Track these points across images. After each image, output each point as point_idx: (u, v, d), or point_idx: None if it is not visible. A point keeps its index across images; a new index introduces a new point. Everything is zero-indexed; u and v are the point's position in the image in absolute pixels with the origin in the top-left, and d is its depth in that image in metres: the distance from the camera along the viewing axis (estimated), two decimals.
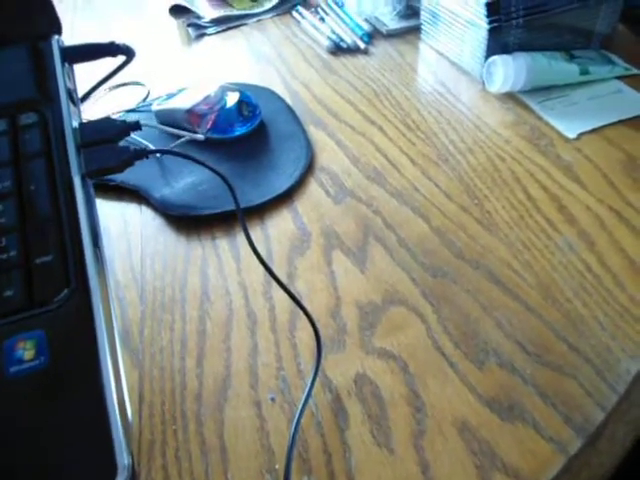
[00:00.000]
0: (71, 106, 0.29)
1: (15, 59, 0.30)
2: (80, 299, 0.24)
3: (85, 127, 0.29)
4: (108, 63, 0.39)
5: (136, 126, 0.29)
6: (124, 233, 0.39)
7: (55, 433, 0.21)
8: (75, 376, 0.22)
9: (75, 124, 0.28)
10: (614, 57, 0.50)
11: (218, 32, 0.66)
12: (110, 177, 0.42)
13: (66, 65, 0.30)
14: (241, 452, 0.26)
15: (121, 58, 0.36)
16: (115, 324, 0.25)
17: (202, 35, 0.65)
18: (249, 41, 0.62)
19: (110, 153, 0.28)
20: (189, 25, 0.67)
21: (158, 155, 0.44)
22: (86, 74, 0.40)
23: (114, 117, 0.29)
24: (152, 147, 0.40)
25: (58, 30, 0.31)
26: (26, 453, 0.21)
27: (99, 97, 0.54)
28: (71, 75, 0.31)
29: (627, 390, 0.26)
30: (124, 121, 0.29)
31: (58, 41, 0.31)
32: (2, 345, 0.22)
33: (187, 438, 0.26)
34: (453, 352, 0.29)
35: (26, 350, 0.22)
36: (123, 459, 0.21)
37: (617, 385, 0.26)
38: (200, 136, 0.43)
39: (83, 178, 0.27)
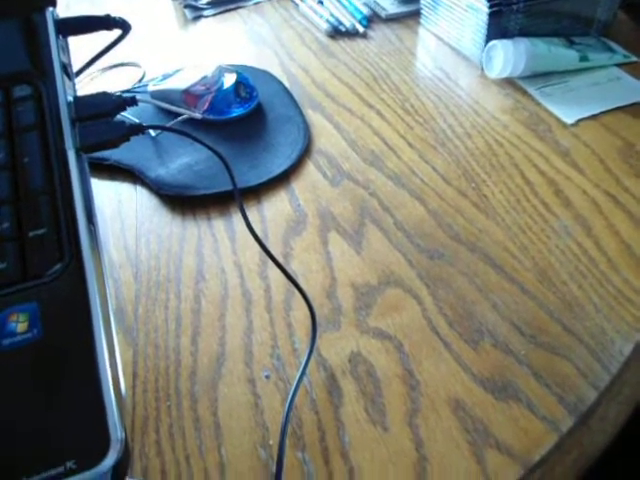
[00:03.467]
0: (66, 80, 0.29)
1: (9, 31, 0.29)
2: (74, 273, 0.23)
3: (80, 101, 0.28)
4: (102, 41, 0.39)
5: (132, 101, 0.29)
6: (118, 213, 0.38)
7: (48, 406, 0.21)
8: (69, 348, 0.22)
9: (70, 98, 0.28)
10: (613, 44, 0.50)
11: (215, 14, 0.65)
12: (104, 156, 0.41)
13: (60, 38, 0.30)
14: (235, 428, 0.26)
15: (116, 33, 0.35)
16: (109, 299, 0.24)
17: (199, 17, 0.65)
18: (247, 24, 0.62)
19: (105, 128, 0.28)
20: (186, 7, 0.66)
21: (153, 134, 0.43)
22: (80, 51, 0.39)
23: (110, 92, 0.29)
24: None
25: (52, 2, 0.30)
26: (19, 426, 0.20)
27: (94, 77, 0.53)
28: (66, 48, 0.31)
29: (620, 370, 0.26)
30: (120, 95, 0.29)
31: (52, 13, 0.30)
32: None
33: (181, 414, 0.26)
34: (448, 332, 0.29)
35: (19, 322, 0.22)
36: (117, 433, 0.21)
37: (610, 366, 0.26)
38: (197, 115, 0.42)
39: (77, 152, 0.27)
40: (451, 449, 0.24)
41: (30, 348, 0.22)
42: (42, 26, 0.29)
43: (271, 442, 0.25)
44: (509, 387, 0.26)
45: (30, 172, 0.25)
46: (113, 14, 0.33)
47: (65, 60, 0.30)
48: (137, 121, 0.39)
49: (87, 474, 0.20)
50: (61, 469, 0.20)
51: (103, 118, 0.28)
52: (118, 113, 0.29)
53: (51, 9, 0.30)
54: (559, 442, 0.24)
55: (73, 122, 0.27)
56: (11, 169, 0.25)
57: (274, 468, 0.24)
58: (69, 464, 0.20)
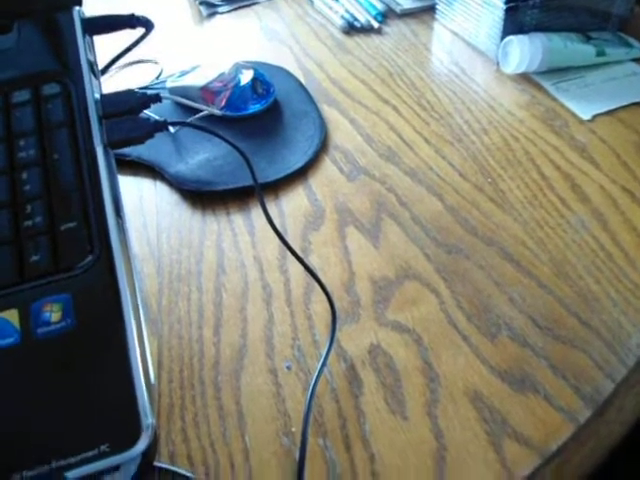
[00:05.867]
0: (92, 78, 0.29)
1: (37, 30, 0.30)
2: (104, 265, 0.24)
3: (106, 98, 0.29)
4: (120, 38, 0.40)
5: (157, 98, 0.30)
6: (140, 208, 0.39)
7: (81, 392, 0.22)
8: (101, 337, 0.23)
9: (97, 95, 0.29)
10: (630, 39, 0.49)
11: (230, 11, 0.65)
12: (126, 152, 0.42)
13: (87, 37, 0.31)
14: (258, 416, 0.26)
15: (138, 32, 0.36)
16: (138, 290, 0.25)
17: (214, 14, 0.65)
18: (261, 20, 0.62)
19: (131, 124, 0.28)
20: (201, 3, 0.67)
21: (173, 131, 0.44)
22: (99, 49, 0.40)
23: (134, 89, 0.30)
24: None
25: (78, 1, 0.31)
26: (55, 411, 0.21)
27: (112, 74, 0.54)
28: (92, 47, 0.32)
29: (637, 363, 0.26)
30: (144, 93, 0.29)
31: (79, 12, 0.31)
32: (29, 308, 0.23)
33: (205, 403, 0.27)
34: (466, 326, 0.29)
35: (53, 312, 0.23)
36: (147, 419, 0.21)
37: (627, 359, 0.27)
38: (217, 111, 0.43)
39: (105, 148, 0.28)
40: (470, 438, 0.25)
41: (64, 337, 0.23)
42: (69, 25, 0.30)
43: (293, 429, 0.26)
44: (526, 379, 0.27)
45: (60, 168, 0.26)
46: (137, 13, 0.34)
47: (91, 58, 0.31)
48: (159, 118, 0.40)
49: (119, 457, 0.21)
50: (95, 452, 0.21)
51: (128, 115, 0.29)
52: (143, 110, 0.30)
53: (77, 8, 0.31)
54: (576, 432, 0.24)
55: (100, 119, 0.28)
56: (42, 165, 0.26)
57: (297, 454, 0.24)
58: (103, 447, 0.21)
